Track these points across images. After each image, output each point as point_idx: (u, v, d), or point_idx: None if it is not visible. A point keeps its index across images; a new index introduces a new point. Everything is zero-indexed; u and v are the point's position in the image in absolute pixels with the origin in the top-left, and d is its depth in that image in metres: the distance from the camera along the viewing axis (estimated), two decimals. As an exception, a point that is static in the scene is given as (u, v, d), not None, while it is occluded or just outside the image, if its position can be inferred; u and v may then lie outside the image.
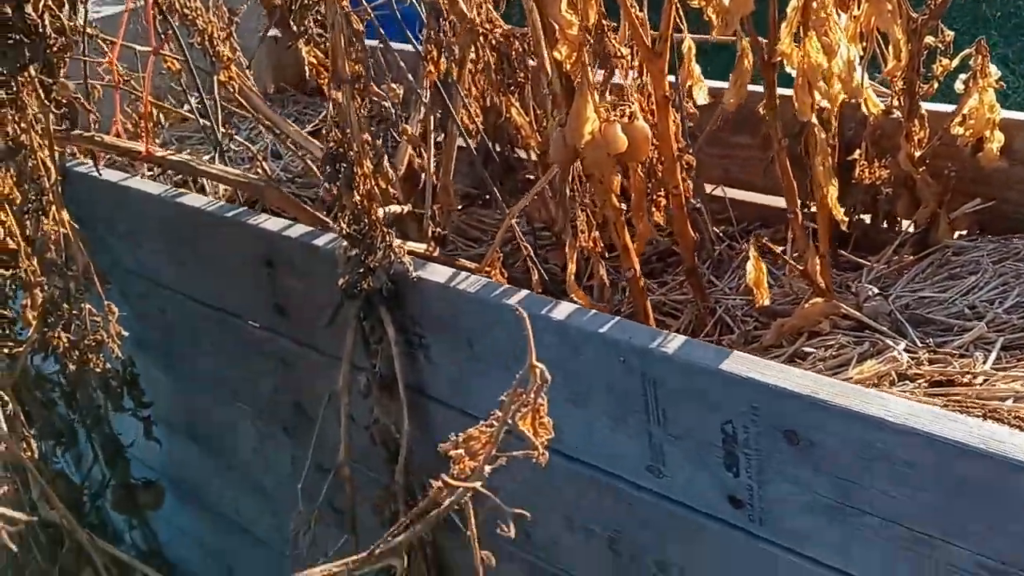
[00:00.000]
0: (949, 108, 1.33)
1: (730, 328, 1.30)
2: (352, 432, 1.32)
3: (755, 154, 1.55)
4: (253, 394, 1.61)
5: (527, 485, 1.18)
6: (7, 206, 1.25)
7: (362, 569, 0.56)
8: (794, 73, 1.06)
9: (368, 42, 1.23)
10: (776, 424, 0.91)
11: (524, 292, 1.14)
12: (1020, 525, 0.79)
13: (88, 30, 1.44)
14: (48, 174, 1.19)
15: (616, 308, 1.36)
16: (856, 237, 1.42)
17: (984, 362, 1.05)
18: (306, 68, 1.42)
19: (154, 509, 1.85)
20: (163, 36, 1.58)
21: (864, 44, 1.18)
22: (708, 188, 1.61)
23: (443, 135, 1.45)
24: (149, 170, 1.89)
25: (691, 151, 1.33)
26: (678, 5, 1.10)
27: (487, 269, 1.31)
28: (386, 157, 1.18)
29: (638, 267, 1.20)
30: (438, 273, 1.21)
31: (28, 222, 1.23)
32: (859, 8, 1.11)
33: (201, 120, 1.74)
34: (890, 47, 1.25)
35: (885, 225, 1.38)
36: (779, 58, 1.06)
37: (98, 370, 1.31)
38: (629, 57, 1.21)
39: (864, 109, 1.27)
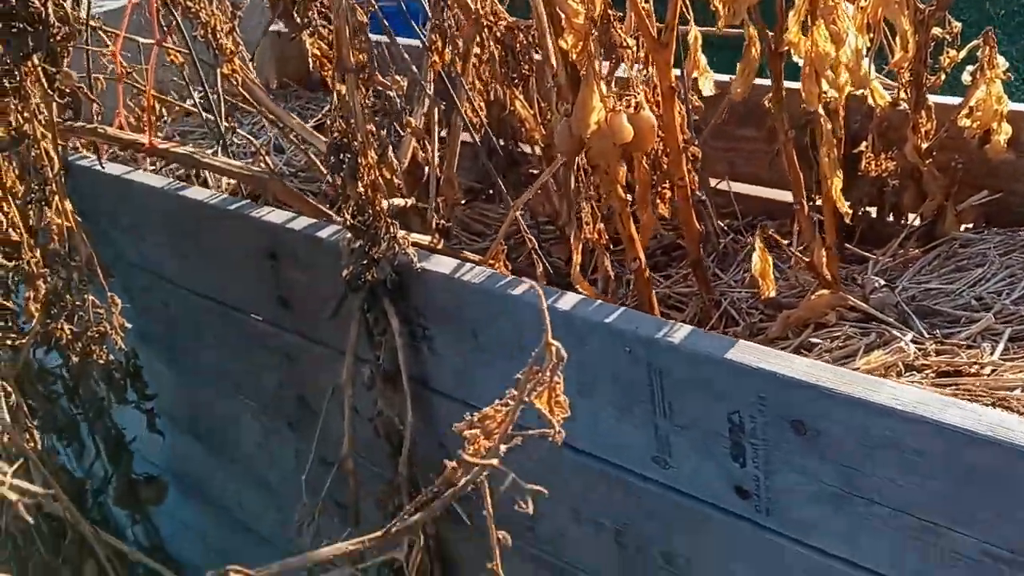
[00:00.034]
0: (956, 101, 1.32)
1: (735, 321, 1.30)
2: (356, 425, 1.32)
3: (760, 147, 1.55)
4: (257, 388, 1.60)
5: (531, 477, 1.18)
6: (10, 198, 1.25)
7: (376, 550, 0.56)
8: (801, 62, 1.05)
9: (373, 36, 1.23)
10: (783, 414, 0.91)
11: (529, 282, 1.13)
12: (1029, 513, 0.79)
13: (91, 22, 1.43)
14: (51, 164, 1.18)
15: (620, 301, 1.36)
16: (862, 230, 1.41)
17: (992, 353, 1.04)
18: (309, 60, 1.42)
19: (156, 504, 1.85)
20: (166, 29, 1.58)
21: (871, 35, 1.17)
22: (713, 182, 1.60)
23: (447, 128, 1.45)
24: (152, 165, 1.89)
25: (696, 143, 1.33)
26: (684, -5, 1.09)
27: (491, 262, 1.30)
28: (390, 148, 1.17)
29: (643, 258, 1.20)
30: (442, 264, 1.20)
31: (31, 212, 1.22)
32: (866, -2, 1.10)
33: (204, 114, 1.74)
34: (897, 38, 1.24)
35: (891, 218, 1.38)
36: (787, 47, 1.05)
37: (101, 362, 1.30)
38: (635, 48, 1.21)
39: (871, 101, 1.27)
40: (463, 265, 1.19)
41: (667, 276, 1.47)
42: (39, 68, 1.08)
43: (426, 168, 1.54)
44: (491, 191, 1.81)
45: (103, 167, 1.52)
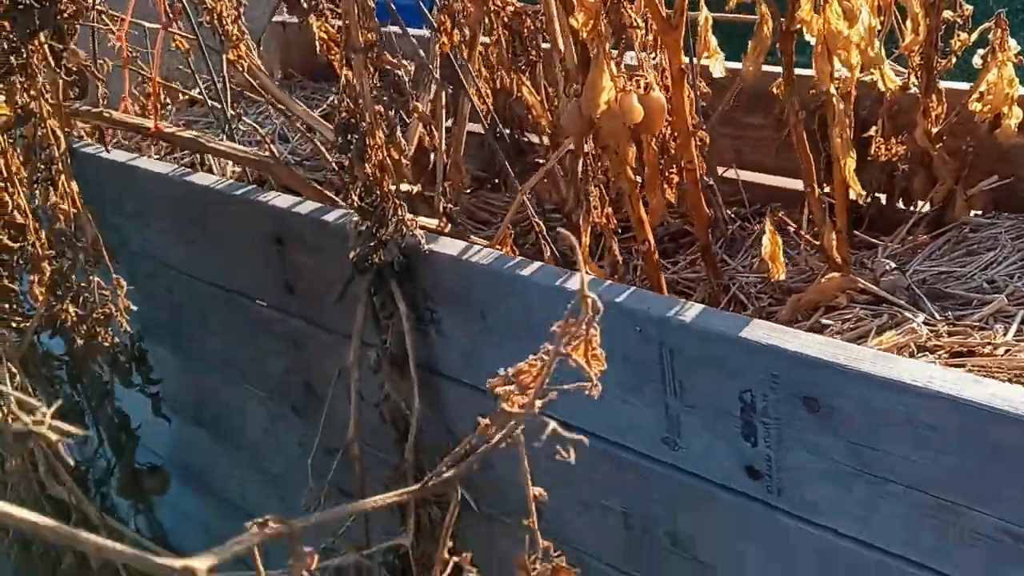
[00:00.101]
0: (966, 86, 1.31)
1: (744, 305, 1.29)
2: (362, 411, 1.31)
3: (768, 134, 1.54)
4: (262, 375, 1.60)
5: (535, 460, 1.17)
6: (15, 180, 1.24)
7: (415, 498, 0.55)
8: (813, 41, 1.05)
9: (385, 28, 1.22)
10: (796, 391, 0.90)
11: (538, 263, 1.12)
12: (1047, 489, 0.78)
13: (97, 6, 1.43)
14: (57, 143, 1.17)
15: (629, 284, 1.35)
16: (870, 216, 1.41)
17: (1005, 333, 1.03)
18: (317, 44, 1.41)
19: (160, 494, 1.84)
20: (170, 15, 1.57)
21: (882, 18, 1.17)
22: (720, 170, 1.60)
23: (454, 113, 1.44)
24: (156, 153, 1.88)
25: (704, 129, 1.32)
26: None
27: (498, 246, 1.29)
28: (398, 128, 1.17)
29: (652, 241, 1.19)
30: (450, 246, 1.19)
31: (37, 193, 1.21)
32: (878, -21, 1.10)
33: (210, 101, 1.73)
34: (908, 21, 1.24)
35: (900, 203, 1.37)
36: (799, 26, 1.05)
37: (106, 344, 1.30)
38: (644, 29, 1.21)
39: (880, 84, 1.26)
40: (471, 247, 1.18)
41: (674, 263, 1.46)
42: (45, 46, 1.07)
43: (432, 155, 1.53)
44: (497, 179, 1.81)
45: (108, 151, 1.51)
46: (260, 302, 1.51)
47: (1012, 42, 1.23)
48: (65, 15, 1.05)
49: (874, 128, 1.32)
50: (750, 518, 1.00)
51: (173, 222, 1.58)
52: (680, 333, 0.97)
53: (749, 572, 1.03)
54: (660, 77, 1.23)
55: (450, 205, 1.35)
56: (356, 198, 1.18)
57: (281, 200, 1.38)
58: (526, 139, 1.70)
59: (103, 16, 1.51)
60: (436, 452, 1.34)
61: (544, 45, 1.47)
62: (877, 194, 1.37)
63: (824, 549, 0.94)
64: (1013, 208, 1.33)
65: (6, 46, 1.05)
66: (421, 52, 1.42)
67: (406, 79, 1.19)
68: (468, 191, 1.70)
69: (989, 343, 1.02)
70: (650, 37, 1.26)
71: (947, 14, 1.24)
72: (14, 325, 1.27)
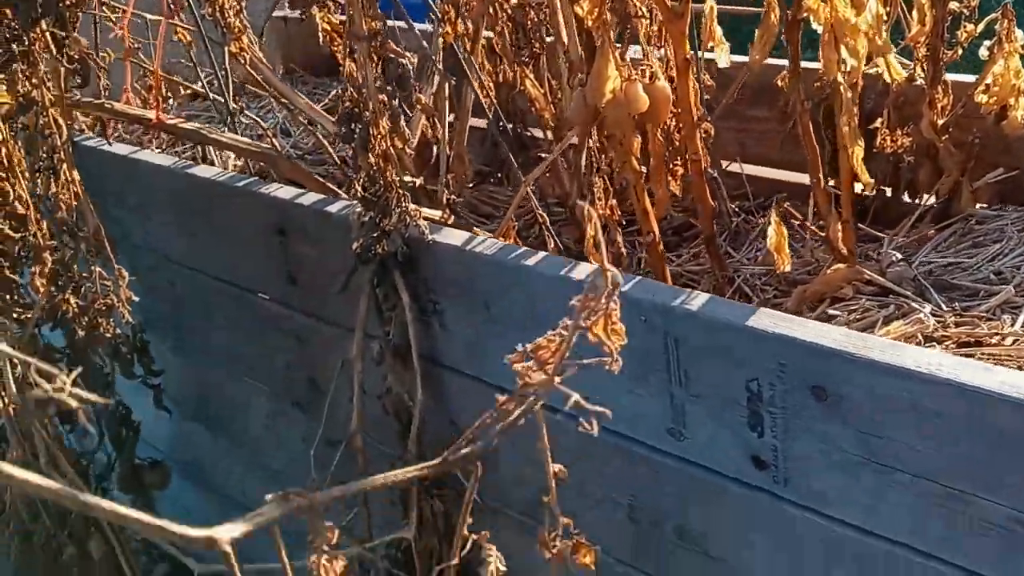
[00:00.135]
0: (972, 79, 1.31)
1: (749, 297, 1.28)
2: (364, 403, 1.30)
3: (772, 127, 1.53)
4: (265, 369, 1.59)
5: (537, 452, 1.16)
6: (16, 170, 1.23)
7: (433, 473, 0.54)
8: (820, 29, 1.04)
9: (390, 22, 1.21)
10: (804, 380, 0.89)
11: (543, 253, 1.12)
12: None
13: (99, -3, 1.42)
14: (59, 132, 1.17)
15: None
16: (875, 209, 1.40)
17: (1013, 324, 1.03)
18: (320, 35, 1.40)
19: (160, 489, 1.83)
20: (173, 7, 1.57)
21: (888, 8, 1.16)
22: (724, 163, 1.59)
23: (457, 102, 1.43)
24: (158, 147, 1.87)
25: (708, 121, 1.31)
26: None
27: (501, 239, 1.29)
28: (402, 117, 1.16)
29: (657, 231, 1.19)
30: (454, 236, 1.19)
31: (39, 182, 1.21)
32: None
33: (212, 95, 1.73)
34: (914, 12, 1.23)
35: (906, 196, 1.36)
36: (806, 14, 1.04)
37: (108, 335, 1.29)
38: (649, 19, 1.20)
39: (886, 75, 1.26)
40: (474, 237, 1.18)
41: (678, 255, 1.46)
42: (48, 33, 1.06)
43: (435, 149, 1.52)
44: (499, 174, 1.80)
45: (110, 143, 1.50)
46: (262, 295, 1.50)
47: (1019, 33, 1.22)
48: (68, 2, 1.04)
49: (880, 120, 1.31)
50: (756, 509, 0.99)
51: (175, 214, 1.57)
52: (685, 322, 0.97)
53: (756, 563, 1.02)
54: (665, 68, 1.22)
55: (453, 196, 1.35)
56: (359, 188, 1.17)
57: (283, 192, 1.38)
58: (529, 133, 1.69)
59: (104, 7, 1.50)
60: (439, 444, 1.33)
61: (548, 39, 1.46)
62: (883, 186, 1.36)
63: (832, 539, 0.94)
64: (1019, 200, 1.32)
65: (8, 33, 1.05)
66: (425, 44, 1.42)
67: (410, 69, 1.18)
68: (471, 185, 1.69)
69: (997, 333, 1.01)
70: (655, 27, 1.26)
71: (953, 5, 1.23)
72: (15, 316, 1.26)
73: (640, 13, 1.13)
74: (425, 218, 1.23)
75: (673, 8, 1.11)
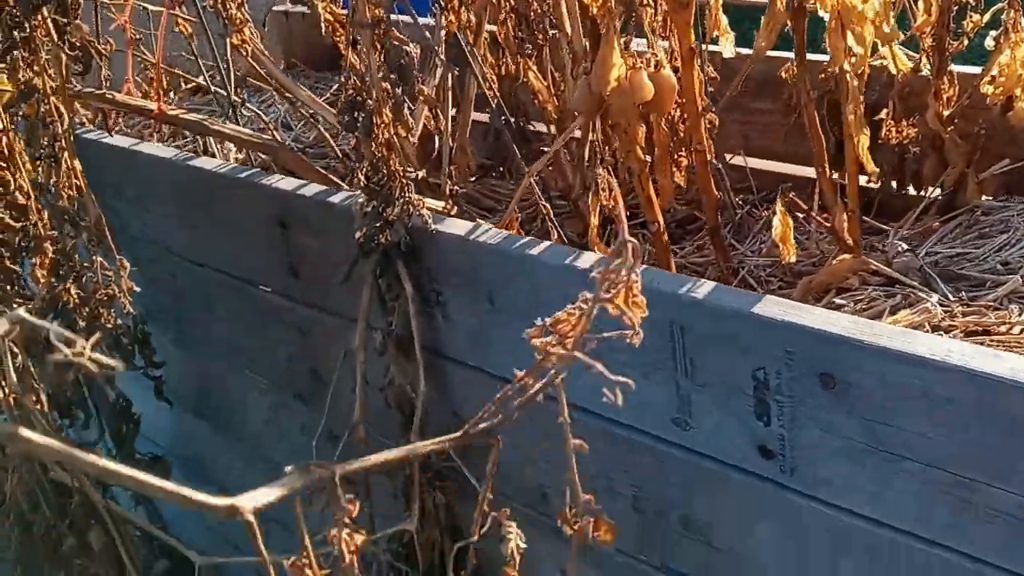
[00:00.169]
0: (978, 70, 1.30)
1: (753, 289, 1.28)
2: (367, 394, 1.30)
3: (776, 120, 1.52)
4: (266, 362, 1.58)
5: (542, 442, 1.15)
6: (17, 160, 1.23)
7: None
8: (827, 17, 1.04)
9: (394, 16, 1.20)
10: (812, 368, 0.88)
11: (547, 243, 1.11)
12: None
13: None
14: (61, 120, 1.16)
15: (637, 268, 1.34)
16: (879, 202, 1.39)
17: (1020, 314, 1.02)
18: (322, 25, 1.40)
19: (160, 484, 1.82)
20: (175, -1, 1.56)
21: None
22: (727, 156, 1.58)
23: (460, 92, 1.43)
24: (159, 141, 1.87)
25: (713, 111, 1.30)
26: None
27: (504, 229, 1.28)
28: (406, 106, 1.15)
29: (662, 221, 1.18)
30: (457, 226, 1.18)
31: (40, 170, 1.20)
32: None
33: (213, 88, 1.72)
34: (919, 2, 1.22)
35: (911, 188, 1.36)
36: (812, 2, 1.03)
37: (108, 326, 1.28)
38: (654, 8, 1.19)
39: (892, 66, 1.25)
40: (478, 227, 1.17)
41: (681, 248, 1.45)
42: (49, 20, 1.06)
43: (436, 141, 1.52)
44: (502, 167, 1.79)
45: (111, 134, 1.50)
46: (264, 287, 1.49)
47: (1025, 23, 1.21)
48: (69, -11, 1.04)
49: (885, 111, 1.30)
50: (763, 499, 0.98)
51: (176, 207, 1.56)
52: (691, 310, 0.96)
53: (762, 553, 1.01)
54: (670, 58, 1.22)
55: (456, 187, 1.34)
56: (362, 177, 1.17)
57: (285, 183, 1.37)
58: (531, 127, 1.69)
59: (107, -3, 1.50)
60: (442, 435, 1.32)
61: (551, 32, 1.46)
62: (888, 178, 1.35)
63: (838, 529, 0.93)
64: (1024, 192, 1.32)
65: (9, 20, 1.04)
66: (428, 35, 1.41)
67: (414, 58, 1.18)
68: (473, 179, 1.69)
69: (1004, 322, 1.00)
70: (659, 17, 1.25)
71: (960, -5, 1.23)
72: (16, 307, 1.26)
73: (644, 1, 1.13)
74: (428, 209, 1.23)
75: (678, -3, 1.11)
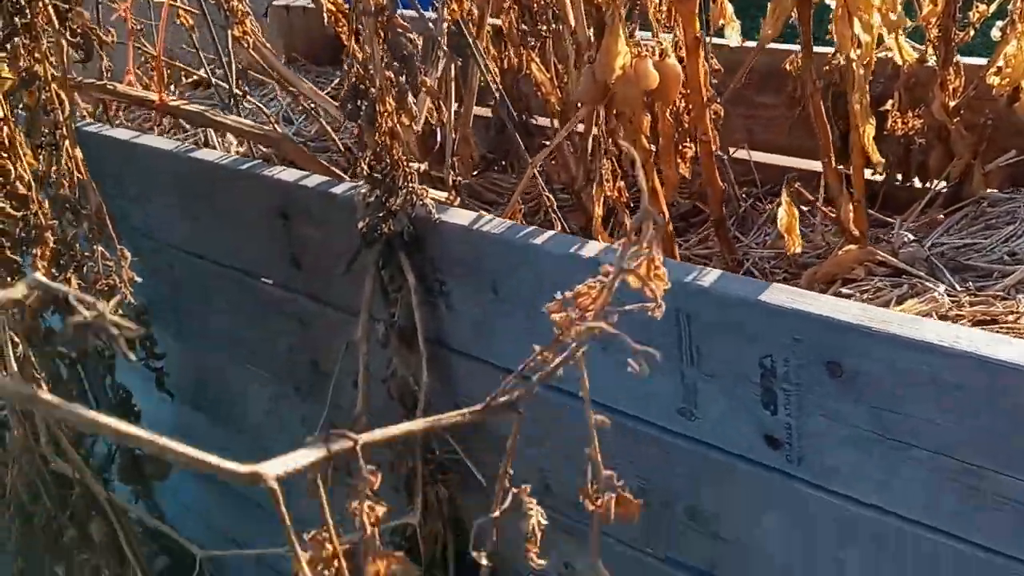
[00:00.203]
0: (984, 61, 1.29)
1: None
2: (370, 385, 1.29)
3: (780, 113, 1.52)
4: (266, 354, 1.57)
5: (545, 434, 1.15)
6: (18, 149, 1.22)
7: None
8: (833, 4, 1.03)
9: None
10: (819, 356, 0.88)
11: (551, 232, 1.10)
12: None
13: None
14: (62, 107, 1.15)
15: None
16: (884, 194, 1.39)
17: (1028, 303, 1.01)
18: (324, 15, 1.39)
19: (160, 480, 1.81)
20: (177, -10, 1.55)
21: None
22: (731, 150, 1.57)
23: (463, 86, 1.42)
24: (160, 134, 1.86)
25: (718, 102, 1.30)
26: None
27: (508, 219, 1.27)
28: (409, 94, 1.14)
29: (666, 211, 1.17)
30: (461, 216, 1.17)
31: (41, 158, 1.19)
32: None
33: (214, 80, 1.72)
34: (926, -8, 1.22)
35: (917, 180, 1.35)
36: (818, -11, 1.03)
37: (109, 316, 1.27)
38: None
39: (897, 57, 1.24)
40: (482, 216, 1.16)
41: (685, 240, 1.44)
42: (50, 6, 1.05)
43: (438, 135, 1.51)
44: (504, 161, 1.79)
45: (112, 125, 1.49)
46: (265, 280, 1.49)
47: (1033, 12, 1.21)
48: (71, -25, 1.03)
49: (890, 102, 1.30)
50: (769, 489, 0.97)
51: (178, 198, 1.55)
52: (697, 298, 0.95)
53: (768, 543, 1.00)
54: (674, 49, 1.21)
55: (459, 178, 1.33)
56: (366, 167, 1.16)
57: (287, 174, 1.36)
58: (534, 121, 1.68)
59: (108, -11, 1.49)
60: (445, 427, 1.32)
61: (554, 24, 1.45)
62: (894, 170, 1.34)
63: (845, 518, 0.92)
64: (1030, 184, 1.31)
65: (10, 6, 1.03)
66: (431, 26, 1.40)
67: (417, 46, 1.17)
68: (475, 173, 1.68)
69: (1012, 312, 1.00)
70: (664, 7, 1.24)
71: (966, -15, 1.22)
72: (16, 297, 1.24)
73: (650, -10, 1.12)
74: (431, 199, 1.22)
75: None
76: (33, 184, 1.22)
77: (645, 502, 1.10)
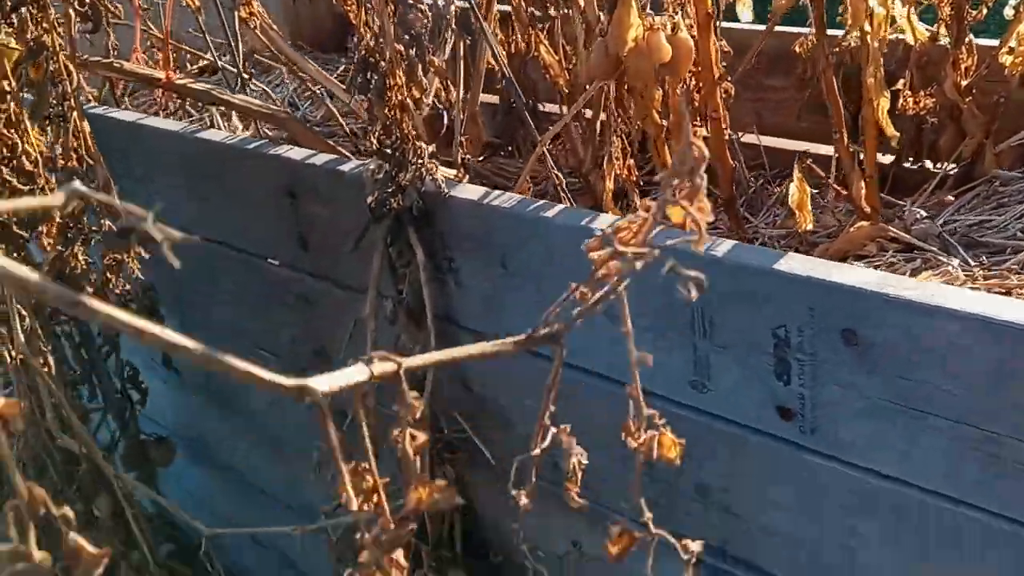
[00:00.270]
0: (996, 41, 1.29)
1: (769, 259, 1.26)
2: (376, 364, 1.28)
3: (789, 96, 1.51)
4: (272, 336, 1.57)
5: (559, 412, 1.14)
6: (26, 125, 1.21)
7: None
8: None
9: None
10: (834, 324, 0.87)
11: (561, 205, 1.10)
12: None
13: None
14: (70, 78, 1.14)
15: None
16: (895, 176, 1.38)
17: (1043, 277, 1.01)
18: (333, -7, 1.38)
19: (164, 466, 1.81)
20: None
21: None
22: (739, 134, 1.57)
23: (472, 65, 1.41)
24: (166, 117, 1.85)
25: (729, 80, 1.29)
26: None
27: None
28: (419, 67, 1.14)
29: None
30: (470, 191, 1.17)
31: (48, 131, 1.18)
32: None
33: (221, 64, 1.71)
34: (938, -31, 1.21)
35: (928, 162, 1.34)
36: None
37: (117, 291, 1.27)
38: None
39: (909, 37, 1.23)
40: (491, 191, 1.16)
41: (695, 222, 1.43)
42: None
43: (445, 118, 1.50)
44: (510, 147, 1.78)
45: (119, 105, 1.48)
46: (272, 261, 1.48)
47: (1046, -9, 1.20)
48: (80, -57, 1.02)
49: (902, 81, 1.29)
50: (781, 461, 0.97)
51: (185, 178, 1.55)
52: (711, 268, 0.94)
53: (779, 517, 1.00)
54: (684, 25, 1.20)
55: (468, 156, 1.33)
56: (375, 141, 1.15)
57: (294, 152, 1.36)
58: (542, 107, 1.68)
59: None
60: (453, 406, 1.31)
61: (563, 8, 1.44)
62: (905, 150, 1.33)
63: (861, 490, 0.92)
64: (1042, 164, 1.30)
65: (19, -25, 1.03)
66: (441, 3, 1.39)
67: (427, 21, 1.16)
68: (482, 157, 1.67)
69: (1027, 285, 0.99)
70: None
71: (979, -37, 1.21)
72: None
73: (662, -36, 1.11)
74: (441, 175, 1.21)
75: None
76: (39, 160, 1.21)
77: (654, 477, 1.10)
